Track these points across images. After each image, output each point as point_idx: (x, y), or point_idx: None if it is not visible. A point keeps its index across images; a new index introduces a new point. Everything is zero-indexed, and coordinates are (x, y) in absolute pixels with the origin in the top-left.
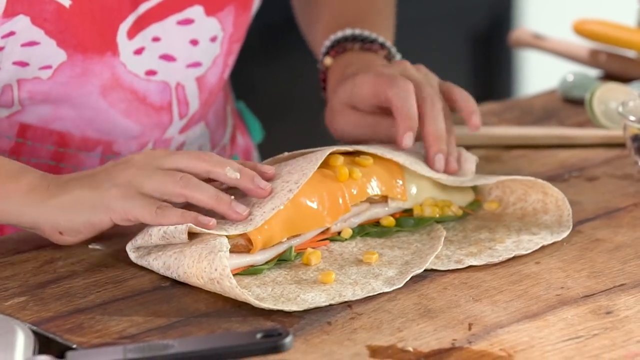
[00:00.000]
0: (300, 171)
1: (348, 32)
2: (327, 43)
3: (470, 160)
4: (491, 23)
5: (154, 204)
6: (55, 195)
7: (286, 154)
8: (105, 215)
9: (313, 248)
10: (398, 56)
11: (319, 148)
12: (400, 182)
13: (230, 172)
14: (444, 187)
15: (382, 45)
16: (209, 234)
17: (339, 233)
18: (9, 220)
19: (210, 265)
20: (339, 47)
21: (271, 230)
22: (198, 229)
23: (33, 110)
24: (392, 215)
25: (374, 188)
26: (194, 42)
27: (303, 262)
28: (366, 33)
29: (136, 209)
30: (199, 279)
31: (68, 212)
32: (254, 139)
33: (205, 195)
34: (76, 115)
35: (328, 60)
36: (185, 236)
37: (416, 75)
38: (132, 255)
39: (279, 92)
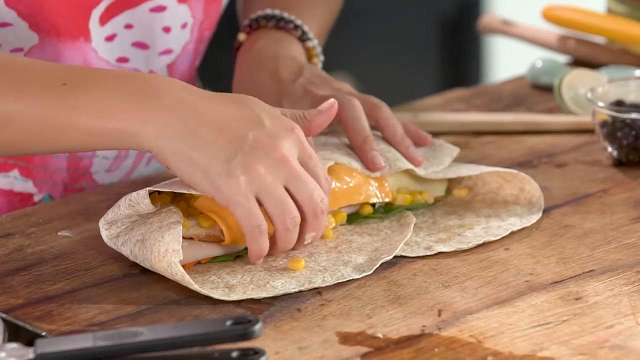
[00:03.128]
0: None
1: (267, 11)
2: (246, 22)
3: (446, 152)
4: (460, 9)
5: (258, 221)
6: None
7: None
8: (207, 184)
9: None
10: (315, 41)
11: None
12: (387, 183)
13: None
14: (418, 177)
15: (297, 27)
16: (165, 212)
17: None
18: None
19: (170, 267)
20: (254, 24)
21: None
22: (156, 189)
23: None
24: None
25: (378, 196)
26: (167, 30)
27: None
28: (285, 14)
29: (240, 210)
30: (165, 274)
31: (185, 138)
32: None
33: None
34: None
35: (242, 36)
36: (148, 200)
37: (322, 88)
38: (104, 233)
39: None
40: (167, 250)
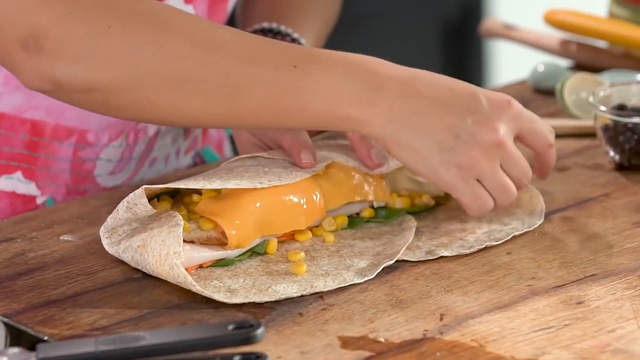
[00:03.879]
0: (278, 176)
1: (264, 25)
2: None
3: None
4: (462, 13)
5: (486, 205)
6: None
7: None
8: (428, 172)
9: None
10: None
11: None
12: (385, 182)
13: None
14: (417, 181)
15: (293, 40)
16: (165, 217)
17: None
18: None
19: (172, 270)
20: None
21: (246, 229)
22: (154, 187)
23: (7, 99)
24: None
25: (376, 195)
26: None
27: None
28: (282, 27)
29: (465, 196)
30: (167, 278)
31: (408, 129)
32: (227, 130)
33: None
34: (50, 103)
35: None
36: (145, 200)
37: None
38: (105, 242)
39: None
40: (169, 253)
